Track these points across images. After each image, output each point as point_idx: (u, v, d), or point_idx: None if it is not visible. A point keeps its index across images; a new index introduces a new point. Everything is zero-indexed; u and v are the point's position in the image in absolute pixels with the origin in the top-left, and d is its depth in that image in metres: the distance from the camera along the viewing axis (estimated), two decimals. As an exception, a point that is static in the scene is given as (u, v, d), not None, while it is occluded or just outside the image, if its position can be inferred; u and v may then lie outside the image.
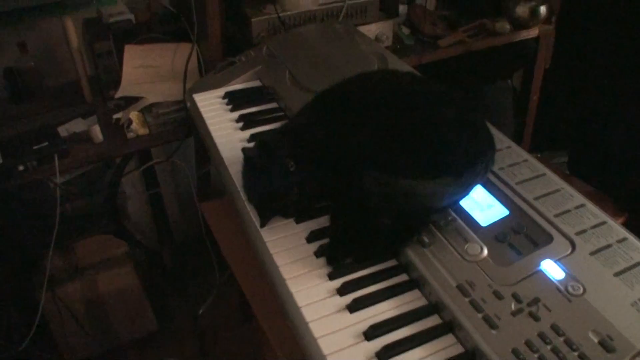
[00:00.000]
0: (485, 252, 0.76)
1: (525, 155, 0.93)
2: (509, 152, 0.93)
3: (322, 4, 1.55)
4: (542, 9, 1.96)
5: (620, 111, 1.89)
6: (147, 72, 1.54)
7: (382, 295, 0.77)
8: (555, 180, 0.87)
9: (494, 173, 0.88)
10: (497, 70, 2.20)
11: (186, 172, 1.64)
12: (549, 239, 0.77)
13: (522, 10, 1.96)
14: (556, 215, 0.80)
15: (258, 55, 1.38)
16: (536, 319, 0.67)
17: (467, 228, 0.80)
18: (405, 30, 1.84)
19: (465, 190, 0.83)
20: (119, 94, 1.49)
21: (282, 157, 0.86)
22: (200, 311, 1.93)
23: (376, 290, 0.77)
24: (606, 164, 1.93)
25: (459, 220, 0.81)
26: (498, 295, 0.70)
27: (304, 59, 1.29)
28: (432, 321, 0.73)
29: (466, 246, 0.77)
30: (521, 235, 0.78)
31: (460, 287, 0.72)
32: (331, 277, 0.80)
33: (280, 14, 1.49)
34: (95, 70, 1.57)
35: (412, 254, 0.79)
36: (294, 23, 1.52)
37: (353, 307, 0.75)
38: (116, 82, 1.55)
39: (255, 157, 0.88)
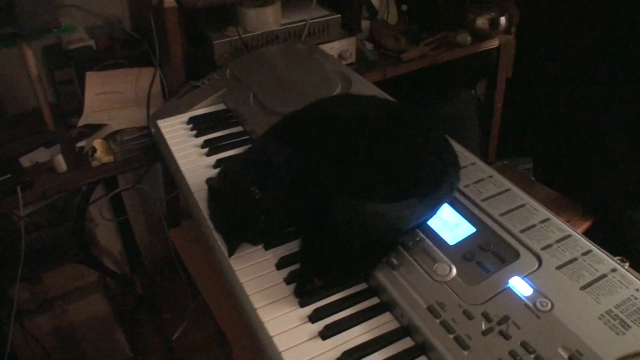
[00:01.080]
0: (454, 271, 0.77)
1: (489, 171, 0.94)
2: (473, 169, 0.94)
3: (284, 24, 1.55)
4: (502, 20, 2.01)
5: (581, 116, 1.94)
6: (110, 98, 1.52)
7: (353, 320, 0.76)
8: (520, 195, 0.88)
9: (460, 191, 0.89)
10: (461, 80, 2.24)
11: (154, 198, 1.61)
12: (516, 255, 0.78)
13: (482, 22, 2.00)
14: (522, 231, 0.81)
15: (221, 78, 1.38)
16: (506, 337, 0.68)
17: (435, 248, 0.81)
18: (369, 46, 1.86)
19: (432, 210, 0.84)
20: (82, 122, 1.46)
21: (247, 186, 0.86)
22: (175, 336, 1.90)
23: (348, 315, 0.77)
24: (570, 169, 1.97)
25: (427, 241, 0.82)
26: (468, 315, 0.71)
27: (267, 81, 1.29)
28: (405, 344, 0.73)
29: (435, 266, 0.78)
30: (489, 252, 0.79)
31: (430, 309, 0.73)
32: (302, 304, 0.79)
33: (242, 36, 1.48)
34: (56, 98, 1.54)
35: (381, 277, 0.79)
36: (256, 44, 1.52)
37: (325, 334, 0.74)
38: (79, 110, 1.52)
39: (219, 187, 0.87)
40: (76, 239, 1.60)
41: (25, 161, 1.43)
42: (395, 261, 0.79)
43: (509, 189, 0.90)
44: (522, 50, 2.12)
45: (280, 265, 0.86)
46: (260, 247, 0.90)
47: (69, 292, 1.70)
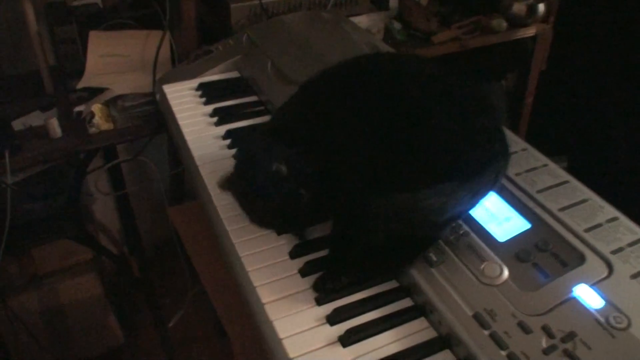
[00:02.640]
0: (506, 273, 0.63)
1: (544, 159, 0.81)
2: (525, 156, 0.81)
3: (309, -8, 1.42)
4: (540, 7, 1.86)
5: (621, 115, 1.80)
6: (114, 61, 1.39)
7: (381, 324, 0.63)
8: (581, 189, 0.75)
9: (509, 179, 0.76)
10: (491, 70, 2.09)
11: (157, 173, 1.48)
12: (581, 258, 0.64)
13: (519, 8, 1.86)
14: (586, 230, 0.68)
15: (237, 45, 1.24)
16: (573, 358, 0.54)
17: (482, 244, 0.67)
18: (397, 25, 1.72)
19: (475, 197, 0.70)
20: (81, 84, 1.34)
21: (295, 187, 0.69)
22: (171, 324, 1.79)
23: (374, 318, 0.64)
24: (609, 170, 1.83)
25: (473, 235, 0.69)
26: (525, 328, 0.57)
27: (288, 49, 1.16)
28: (443, 358, 0.60)
29: (482, 266, 0.64)
30: (547, 253, 0.65)
31: (477, 317, 0.60)
32: (319, 301, 0.66)
33: (263, 1, 1.35)
34: (57, 58, 1.42)
35: (417, 274, 0.66)
36: (277, 11, 1.38)
37: (346, 340, 0.61)
38: (80, 73, 1.40)
39: (245, 172, 0.73)
40: (70, 212, 1.47)
41: (19, 125, 1.31)
42: (434, 257, 0.66)
43: (568, 181, 0.76)
44: (559, 42, 1.98)
45: (294, 254, 0.73)
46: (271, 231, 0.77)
47: (59, 270, 1.58)
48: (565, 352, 0.55)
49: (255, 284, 0.69)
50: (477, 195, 0.69)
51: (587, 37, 1.95)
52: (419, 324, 0.64)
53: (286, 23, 1.28)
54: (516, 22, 1.84)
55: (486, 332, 0.58)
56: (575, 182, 0.76)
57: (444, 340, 0.61)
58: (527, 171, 0.78)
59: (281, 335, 0.62)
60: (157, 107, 1.27)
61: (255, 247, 0.74)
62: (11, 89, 1.44)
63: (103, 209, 1.77)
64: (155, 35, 1.40)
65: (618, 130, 1.78)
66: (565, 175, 0.77)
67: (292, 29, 1.25)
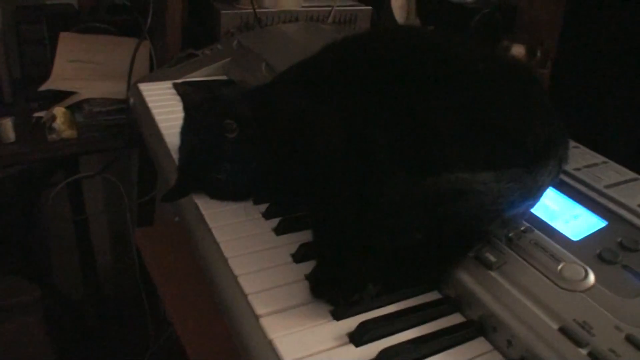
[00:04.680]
0: (592, 276, 0.47)
1: (601, 157, 0.67)
2: (580, 153, 0.67)
3: (305, 6, 1.31)
4: (537, 53, 1.81)
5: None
6: (85, 67, 1.24)
7: (425, 346, 0.46)
8: (657, 188, 0.60)
9: (568, 174, 0.61)
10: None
11: (123, 194, 1.29)
12: (683, 260, 0.49)
13: (518, 51, 1.79)
14: (680, 228, 0.53)
15: (226, 49, 1.11)
16: None
17: (552, 242, 0.51)
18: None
19: (539, 190, 0.55)
20: (46, 86, 1.17)
21: (223, 115, 0.59)
22: (128, 381, 1.53)
23: (415, 337, 0.47)
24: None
25: (537, 232, 0.53)
26: (637, 344, 0.41)
27: (286, 52, 1.02)
28: (518, 391, 0.43)
29: (559, 267, 0.48)
30: (638, 253, 0.50)
31: (567, 331, 0.43)
32: (337, 315, 0.48)
33: (257, 10, 1.23)
34: (20, 61, 1.26)
35: (470, 280, 0.49)
36: (270, 22, 1.27)
37: (381, 365, 0.43)
38: (45, 79, 1.23)
39: (194, 102, 0.64)
40: (18, 240, 1.26)
41: (-35, 131, 1.12)
42: (491, 257, 0.50)
43: (637, 178, 0.62)
44: (556, 90, 1.91)
45: (299, 256, 0.55)
46: (268, 229, 0.60)
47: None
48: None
49: (247, 290, 0.51)
50: (539, 187, 0.54)
51: (586, 86, 1.89)
52: (478, 345, 0.46)
53: (283, 31, 1.16)
54: (514, 64, 1.78)
55: (583, 351, 0.41)
56: (647, 180, 0.62)
57: (518, 366, 0.44)
58: (587, 167, 0.63)
59: (287, 358, 0.44)
60: (130, 117, 1.12)
61: (247, 246, 0.57)
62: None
63: (57, 237, 1.53)
64: (132, 43, 1.26)
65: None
66: (630, 173, 0.63)
67: (290, 36, 1.13)
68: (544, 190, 0.55)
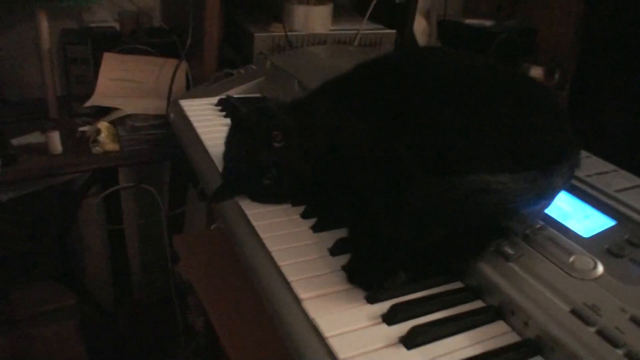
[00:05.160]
0: (601, 267, 0.52)
1: (612, 166, 0.72)
2: (592, 162, 0.72)
3: (333, 29, 1.39)
4: (556, 74, 1.86)
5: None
6: (126, 86, 1.33)
7: (451, 325, 0.51)
8: (663, 193, 0.66)
9: (579, 179, 0.67)
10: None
11: (159, 203, 1.36)
12: (686, 254, 0.54)
13: (536, 72, 1.85)
14: (684, 228, 0.58)
15: (260, 69, 1.19)
16: None
17: (564, 238, 0.57)
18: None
19: (552, 192, 0.60)
20: (90, 103, 1.26)
21: (270, 126, 0.66)
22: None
23: (441, 318, 0.52)
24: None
25: (551, 229, 0.58)
26: (639, 322, 0.46)
27: (317, 71, 1.09)
28: (535, 365, 0.48)
29: (571, 259, 0.54)
30: (644, 249, 0.55)
31: (578, 313, 0.48)
32: (371, 299, 0.54)
33: (288, 33, 1.31)
34: (66, 79, 1.35)
35: (491, 270, 0.55)
36: (301, 44, 1.35)
37: (412, 341, 0.49)
38: (88, 97, 1.32)
39: (244, 113, 0.71)
40: (58, 247, 1.34)
41: (15, 142, 1.21)
42: (509, 250, 0.55)
43: (646, 186, 0.67)
44: (573, 111, 1.96)
45: (335, 250, 0.61)
46: (306, 228, 0.66)
47: (37, 314, 1.41)
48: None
49: (290, 278, 0.57)
50: (553, 190, 0.60)
51: (602, 109, 1.93)
52: (498, 327, 0.52)
53: (313, 52, 1.24)
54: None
55: (592, 329, 0.46)
56: (655, 187, 0.67)
57: (533, 344, 0.49)
58: (598, 174, 0.69)
59: (326, 333, 0.50)
60: (169, 131, 1.20)
61: (288, 243, 0.63)
62: (13, 113, 1.36)
63: (93, 247, 1.61)
64: (171, 64, 1.35)
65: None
66: (639, 180, 0.68)
67: (320, 56, 1.21)
68: (558, 191, 0.60)
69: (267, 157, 0.66)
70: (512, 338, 0.50)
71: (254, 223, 0.67)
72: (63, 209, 1.30)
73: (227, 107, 1.02)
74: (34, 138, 1.22)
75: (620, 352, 0.44)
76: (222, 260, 1.00)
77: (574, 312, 0.48)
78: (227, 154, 0.72)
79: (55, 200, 1.28)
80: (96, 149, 1.16)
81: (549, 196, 0.60)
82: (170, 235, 1.38)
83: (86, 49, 1.29)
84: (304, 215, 0.68)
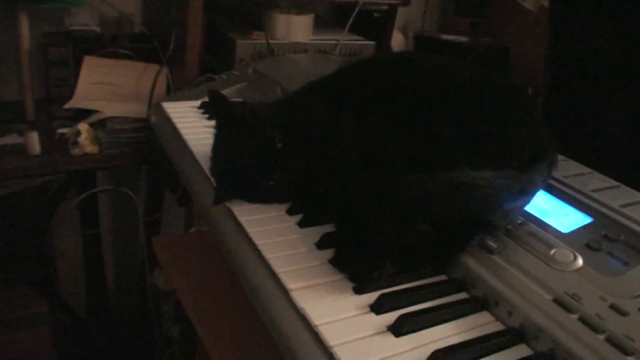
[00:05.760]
0: (580, 260, 0.54)
1: (588, 168, 0.75)
2: (569, 165, 0.75)
3: (314, 39, 1.41)
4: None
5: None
6: (107, 90, 1.32)
7: (438, 315, 0.52)
8: (634, 193, 0.68)
9: (558, 180, 0.69)
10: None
11: (136, 208, 1.34)
12: (659, 248, 0.56)
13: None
14: (656, 224, 0.60)
15: (242, 75, 1.20)
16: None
17: (545, 233, 0.59)
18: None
19: (533, 189, 0.63)
20: (69, 105, 1.25)
21: (270, 128, 0.66)
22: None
23: (428, 307, 0.53)
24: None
25: (532, 225, 0.60)
26: (619, 310, 0.48)
27: (299, 76, 1.11)
28: (519, 352, 0.49)
29: (552, 252, 0.55)
30: (619, 243, 0.57)
31: (560, 301, 0.50)
32: (358, 290, 0.55)
33: (270, 41, 1.33)
34: (45, 83, 1.34)
35: (475, 263, 0.56)
36: (281, 52, 1.36)
37: (400, 328, 0.50)
38: (68, 100, 1.31)
39: (235, 114, 0.69)
40: (33, 252, 1.31)
41: (-9, 145, 1.19)
42: (492, 244, 0.57)
43: (619, 186, 0.70)
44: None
45: (321, 244, 0.62)
46: (292, 223, 0.66)
47: (9, 319, 1.38)
48: (675, 336, 0.45)
49: (278, 270, 0.57)
50: (532, 187, 0.62)
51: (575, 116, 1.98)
52: (482, 317, 0.53)
53: (295, 59, 1.25)
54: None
55: (574, 316, 0.48)
56: (627, 187, 0.70)
57: (516, 333, 0.50)
58: (575, 175, 0.71)
59: (315, 321, 0.50)
60: (149, 135, 1.20)
61: (274, 237, 0.63)
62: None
63: (67, 251, 1.57)
64: (152, 69, 1.36)
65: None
66: (614, 182, 0.71)
67: (302, 63, 1.22)
68: (538, 189, 0.63)
69: (272, 158, 0.65)
70: (496, 327, 0.52)
71: (241, 219, 0.67)
72: (39, 211, 1.28)
73: (214, 107, 1.02)
74: (12, 139, 1.20)
75: (601, 337, 0.46)
76: (203, 263, 0.99)
77: (556, 300, 0.50)
78: (221, 155, 0.71)
79: (31, 202, 1.26)
80: (75, 151, 1.15)
81: (530, 193, 0.62)
82: (147, 241, 1.37)
83: (67, 51, 1.29)
84: (290, 212, 0.68)
